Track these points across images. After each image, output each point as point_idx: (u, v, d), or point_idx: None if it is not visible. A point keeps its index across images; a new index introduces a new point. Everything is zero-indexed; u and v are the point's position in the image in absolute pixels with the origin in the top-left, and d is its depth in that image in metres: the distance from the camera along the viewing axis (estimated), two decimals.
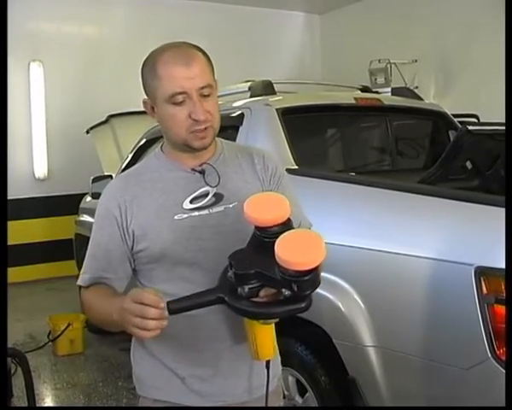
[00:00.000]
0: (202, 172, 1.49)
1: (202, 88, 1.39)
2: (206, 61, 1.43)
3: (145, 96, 1.50)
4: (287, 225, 1.25)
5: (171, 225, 1.44)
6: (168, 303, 1.25)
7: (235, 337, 1.47)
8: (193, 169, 1.49)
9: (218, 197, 1.47)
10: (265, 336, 1.38)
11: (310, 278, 1.17)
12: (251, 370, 1.52)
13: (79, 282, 1.53)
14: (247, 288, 1.23)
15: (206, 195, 1.47)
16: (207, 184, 1.48)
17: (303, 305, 1.21)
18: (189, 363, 1.49)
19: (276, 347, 1.57)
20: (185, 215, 1.44)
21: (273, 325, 1.39)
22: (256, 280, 1.23)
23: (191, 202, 1.46)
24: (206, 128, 1.41)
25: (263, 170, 1.54)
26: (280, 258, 1.16)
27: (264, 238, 1.24)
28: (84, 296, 1.52)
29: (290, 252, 1.16)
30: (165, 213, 1.45)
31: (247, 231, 1.30)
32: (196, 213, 1.44)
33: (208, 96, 1.41)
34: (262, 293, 1.23)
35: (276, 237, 1.20)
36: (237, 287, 1.24)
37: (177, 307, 1.26)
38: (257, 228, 1.26)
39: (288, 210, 1.26)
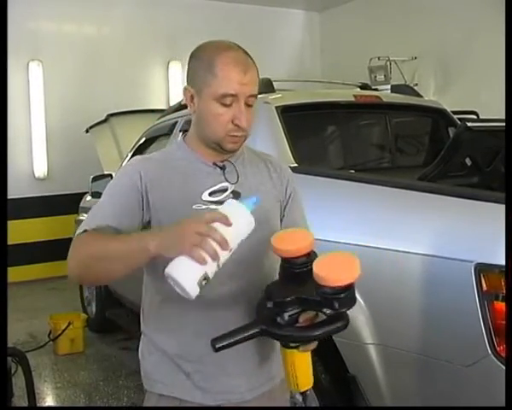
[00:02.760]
0: (223, 168, 1.51)
1: (250, 97, 1.43)
2: (257, 73, 1.47)
3: (186, 86, 1.50)
4: (312, 256, 1.32)
5: (189, 213, 1.43)
6: (212, 341, 1.30)
7: None
8: (214, 163, 1.51)
9: (236, 195, 1.48)
10: (305, 364, 1.42)
11: (349, 294, 1.25)
12: (255, 369, 1.52)
13: (80, 229, 1.41)
14: (286, 316, 1.30)
15: (225, 190, 1.49)
16: (227, 180, 1.50)
17: (341, 324, 1.30)
18: (194, 359, 1.49)
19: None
20: (203, 206, 1.45)
21: (310, 354, 1.43)
22: (296, 306, 1.30)
23: (210, 194, 1.47)
24: (241, 135, 1.46)
25: (278, 179, 1.58)
26: (321, 277, 1.23)
27: (294, 269, 1.31)
28: (85, 237, 1.39)
29: (330, 270, 1.24)
30: (184, 200, 1.46)
31: (262, 231, 1.37)
32: (214, 207, 1.43)
33: (251, 106, 1.45)
34: (301, 318, 1.31)
35: (305, 267, 1.30)
36: (276, 316, 1.30)
37: (221, 344, 1.31)
38: (285, 261, 1.34)
39: (313, 242, 1.33)
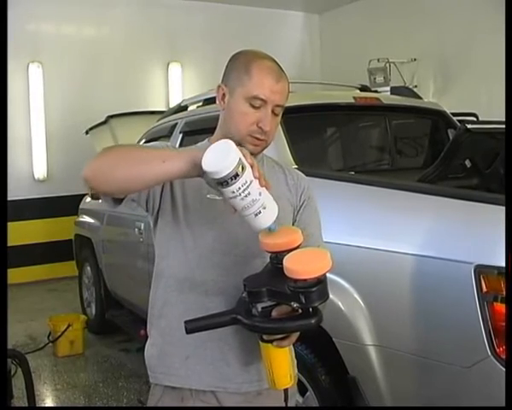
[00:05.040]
0: None
1: (277, 106, 1.52)
2: (287, 86, 1.55)
3: (220, 84, 1.56)
4: None
5: (202, 200, 1.50)
6: (185, 323, 1.34)
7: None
8: None
9: None
10: (281, 361, 1.41)
11: (317, 290, 1.24)
12: (255, 364, 1.53)
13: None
14: (259, 307, 1.31)
15: None
16: None
17: (313, 321, 1.28)
18: (194, 343, 1.51)
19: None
20: (217, 197, 1.48)
21: (288, 352, 1.43)
22: (267, 298, 1.31)
23: None
24: (262, 139, 1.51)
25: (294, 186, 1.64)
26: (287, 268, 1.24)
27: (277, 264, 1.32)
28: (123, 144, 1.49)
29: (297, 262, 1.25)
30: (200, 187, 1.50)
31: None
32: None
33: (277, 115, 1.54)
34: (274, 313, 1.32)
35: None
36: (251, 307, 1.32)
37: (193, 326, 1.35)
38: (272, 257, 1.35)
39: (299, 238, 1.33)
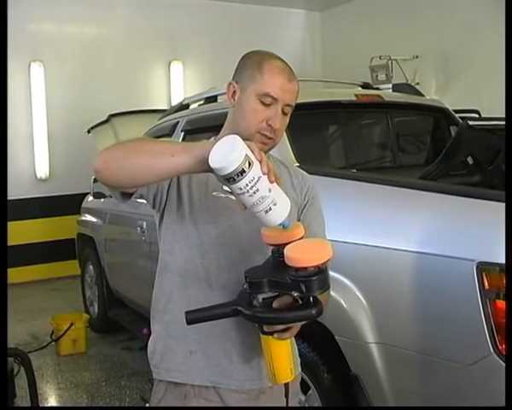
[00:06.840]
0: None
1: (287, 105, 1.52)
2: (298, 87, 1.56)
3: (231, 81, 1.57)
4: None
5: (207, 197, 1.52)
6: (186, 313, 1.34)
7: (246, 322, 1.48)
8: None
9: None
10: (281, 354, 1.40)
11: (318, 279, 1.24)
12: (257, 359, 1.53)
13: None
14: (260, 298, 1.32)
15: None
16: None
17: (313, 311, 1.28)
18: (198, 338, 1.52)
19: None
20: (223, 195, 1.51)
21: (289, 345, 1.42)
22: (268, 289, 1.31)
23: None
24: (271, 138, 1.52)
25: (298, 185, 1.65)
26: (288, 257, 1.25)
27: (278, 257, 1.32)
28: (132, 139, 1.46)
29: (297, 251, 1.25)
30: (207, 185, 1.53)
31: None
32: (233, 198, 1.44)
33: (286, 115, 1.54)
34: (275, 303, 1.32)
35: None
36: (252, 298, 1.32)
37: (194, 317, 1.36)
38: (274, 251, 1.36)
39: (301, 232, 1.34)
